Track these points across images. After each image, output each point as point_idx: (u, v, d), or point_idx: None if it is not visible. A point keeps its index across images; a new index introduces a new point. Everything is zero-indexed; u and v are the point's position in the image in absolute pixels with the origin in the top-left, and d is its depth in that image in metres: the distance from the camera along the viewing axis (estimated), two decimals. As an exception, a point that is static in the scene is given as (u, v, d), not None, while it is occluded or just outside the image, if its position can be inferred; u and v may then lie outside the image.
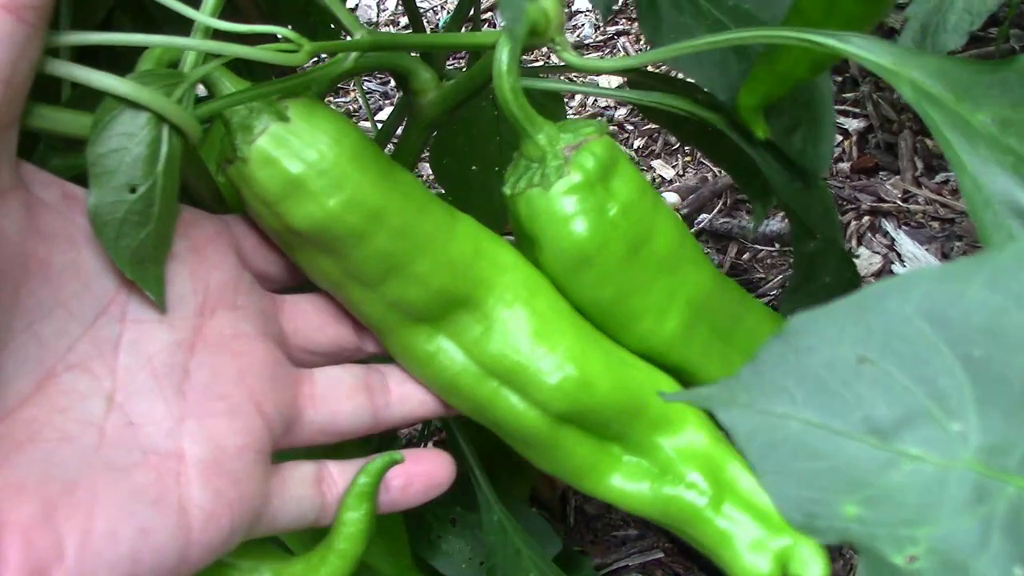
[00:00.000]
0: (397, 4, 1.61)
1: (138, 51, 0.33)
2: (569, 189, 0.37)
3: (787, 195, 0.51)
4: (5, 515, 0.27)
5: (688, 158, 1.31)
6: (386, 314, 0.37)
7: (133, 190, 0.30)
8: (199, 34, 0.32)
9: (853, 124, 1.21)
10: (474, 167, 0.72)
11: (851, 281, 0.67)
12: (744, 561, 0.37)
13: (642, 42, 1.50)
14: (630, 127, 1.37)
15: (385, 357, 0.41)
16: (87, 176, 0.31)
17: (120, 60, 0.33)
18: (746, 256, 1.17)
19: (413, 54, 0.44)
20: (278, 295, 0.39)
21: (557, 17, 0.38)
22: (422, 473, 0.39)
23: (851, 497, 0.18)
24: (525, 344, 0.37)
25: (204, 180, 0.37)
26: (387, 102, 1.48)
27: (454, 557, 0.57)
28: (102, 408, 0.31)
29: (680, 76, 0.57)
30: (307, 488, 0.37)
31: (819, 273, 0.67)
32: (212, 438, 0.33)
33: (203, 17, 0.32)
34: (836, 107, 1.22)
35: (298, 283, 0.40)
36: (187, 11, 0.31)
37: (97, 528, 0.29)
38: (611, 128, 1.37)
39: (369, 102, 1.46)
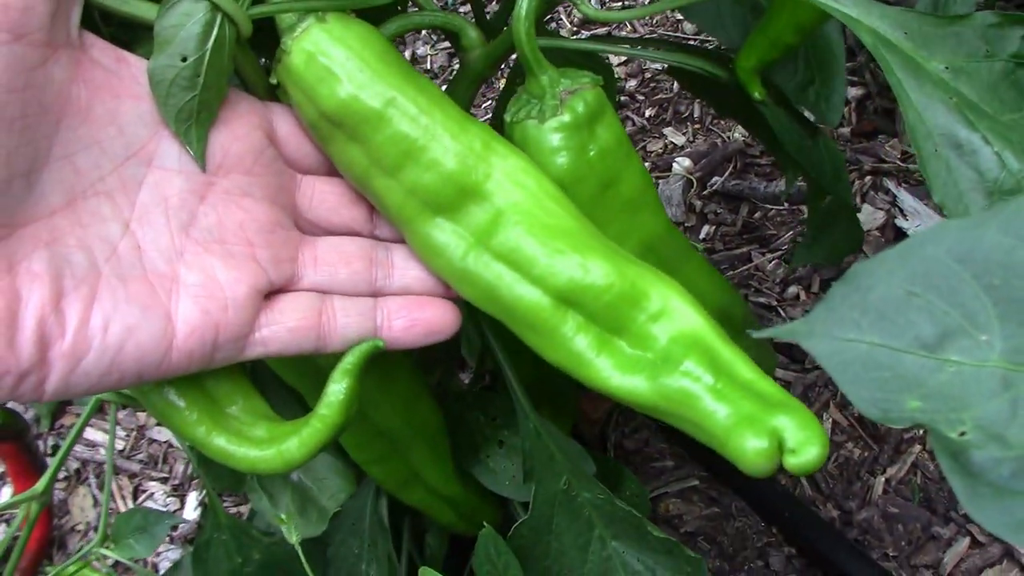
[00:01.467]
0: None
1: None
2: (559, 126, 0.44)
3: (799, 153, 0.57)
4: (25, 294, 0.34)
5: (697, 125, 1.37)
6: (405, 203, 0.41)
7: (184, 59, 0.37)
8: None
9: (852, 92, 1.27)
10: None
11: (856, 238, 0.73)
12: (743, 440, 0.35)
13: (648, 19, 1.55)
14: (641, 97, 1.43)
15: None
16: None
17: None
18: (757, 215, 1.23)
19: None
20: (301, 174, 0.43)
21: None
22: (424, 319, 0.43)
23: (912, 394, 0.24)
24: (530, 230, 0.40)
25: (256, 73, 0.43)
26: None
27: (499, 475, 0.63)
28: (118, 231, 0.37)
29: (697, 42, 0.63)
30: (303, 319, 0.41)
31: (831, 229, 0.74)
32: (205, 269, 0.39)
33: None
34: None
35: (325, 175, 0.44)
36: None
37: (93, 319, 0.35)
38: (622, 98, 1.43)
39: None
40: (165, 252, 0.38)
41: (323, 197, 0.44)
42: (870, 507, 0.96)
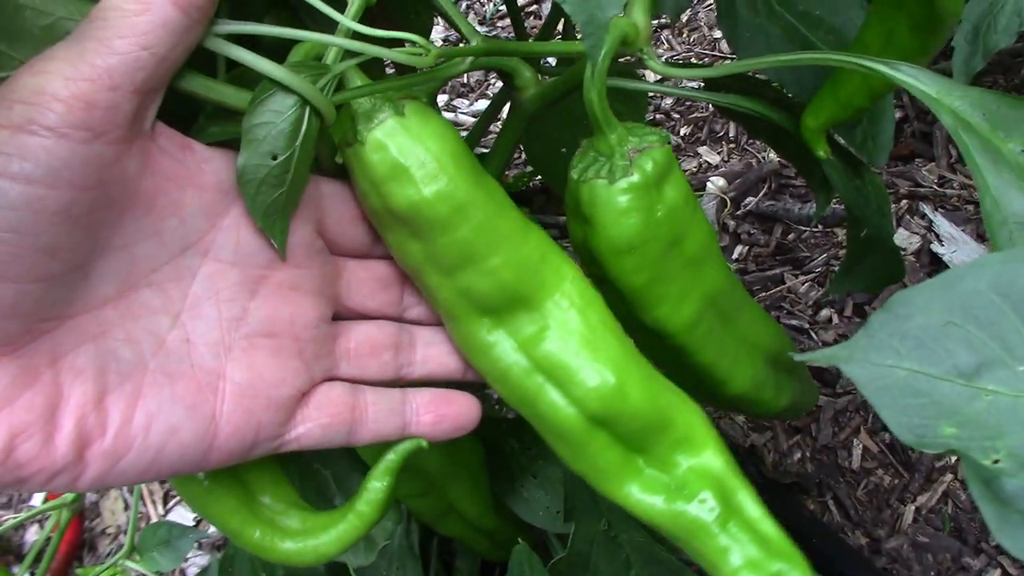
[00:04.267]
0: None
1: (281, 42, 0.38)
2: (629, 187, 0.43)
3: (846, 193, 0.57)
4: (67, 390, 0.33)
5: (732, 145, 1.37)
6: (456, 301, 0.42)
7: (275, 157, 0.36)
8: (341, 34, 0.38)
9: (888, 114, 1.26)
10: (563, 149, 0.79)
11: (896, 270, 0.73)
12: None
13: (684, 35, 1.56)
14: (676, 115, 1.43)
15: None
16: (240, 141, 0.37)
17: (259, 47, 0.38)
18: (791, 236, 1.23)
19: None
20: (344, 260, 0.43)
21: (646, 30, 0.43)
22: (452, 414, 0.43)
23: (948, 421, 0.25)
24: (573, 348, 0.42)
25: (328, 156, 0.42)
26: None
27: (533, 505, 0.63)
28: (168, 324, 0.36)
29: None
30: (338, 416, 0.40)
31: (868, 258, 0.74)
32: (252, 367, 0.38)
33: (347, 20, 0.38)
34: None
35: (372, 257, 0.44)
36: (334, 14, 0.37)
37: (136, 418, 0.34)
38: (658, 115, 1.44)
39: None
40: (214, 347, 0.37)
41: (360, 284, 0.43)
42: (900, 535, 0.95)
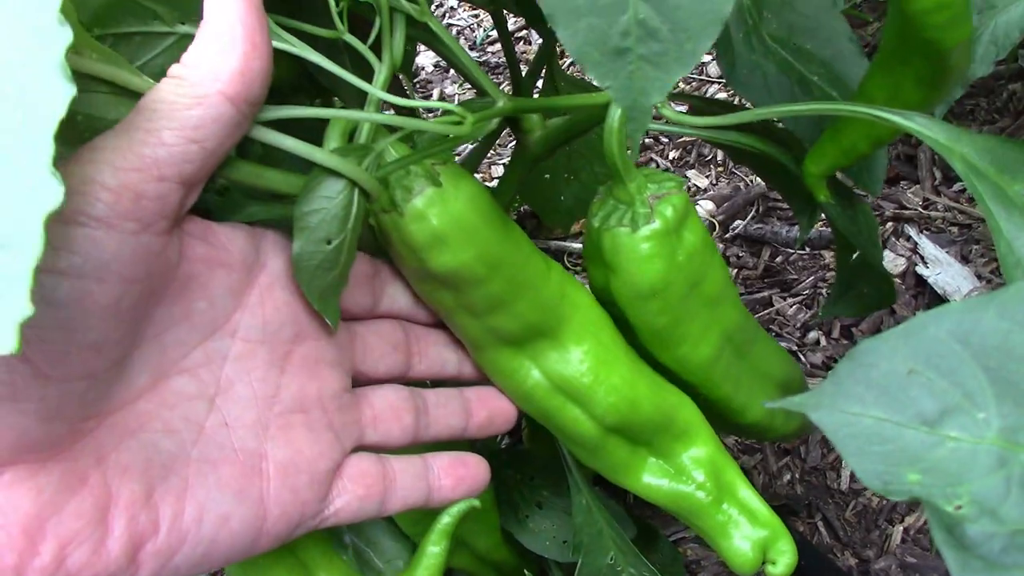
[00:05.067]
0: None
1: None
2: (651, 234, 0.45)
3: (842, 223, 0.58)
4: (115, 492, 0.31)
5: (720, 168, 1.39)
6: (483, 336, 0.45)
7: (329, 243, 0.37)
8: (372, 107, 0.39)
9: (872, 138, 1.28)
10: (547, 175, 0.81)
11: (888, 294, 0.73)
12: (734, 545, 0.48)
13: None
14: (665, 139, 1.45)
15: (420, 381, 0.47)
16: (291, 227, 0.37)
17: (286, 126, 0.39)
18: (779, 259, 1.24)
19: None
20: (353, 325, 0.43)
21: None
22: (469, 476, 0.45)
23: (912, 468, 0.26)
24: (590, 369, 0.46)
25: (367, 227, 0.43)
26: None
27: (540, 535, 0.63)
28: (204, 409, 0.35)
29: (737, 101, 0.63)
30: (371, 487, 0.40)
31: (858, 284, 0.75)
32: (291, 444, 0.37)
33: (380, 92, 0.38)
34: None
35: (378, 316, 0.45)
36: (366, 86, 0.38)
37: (187, 511, 0.33)
38: (647, 140, 1.45)
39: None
40: (252, 428, 0.37)
41: (372, 348, 0.43)
42: (888, 556, 0.96)
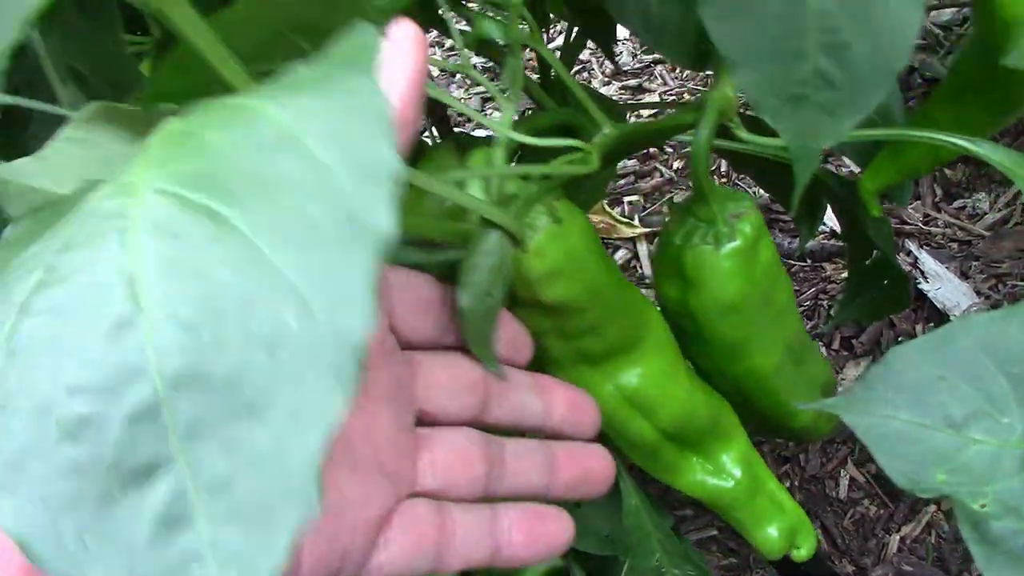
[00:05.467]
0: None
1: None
2: (733, 252, 0.48)
3: (872, 225, 0.61)
4: None
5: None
6: (567, 356, 0.48)
7: (490, 295, 0.37)
8: (501, 146, 0.39)
9: (875, 154, 1.30)
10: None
11: (901, 297, 0.75)
12: (767, 533, 0.55)
13: (678, 71, 1.60)
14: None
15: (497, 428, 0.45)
16: (457, 280, 0.37)
17: None
18: (780, 277, 1.26)
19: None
20: (416, 356, 0.39)
21: (734, 101, 0.46)
22: (546, 533, 0.39)
23: (940, 468, 0.28)
24: (657, 383, 0.49)
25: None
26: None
27: (581, 531, 0.65)
28: None
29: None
30: (424, 537, 0.35)
31: (870, 288, 0.77)
32: (335, 486, 0.33)
33: (511, 132, 0.38)
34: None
35: (441, 346, 0.40)
36: (496, 126, 0.38)
37: None
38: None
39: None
40: None
41: (440, 383, 0.39)
42: (885, 564, 0.97)
